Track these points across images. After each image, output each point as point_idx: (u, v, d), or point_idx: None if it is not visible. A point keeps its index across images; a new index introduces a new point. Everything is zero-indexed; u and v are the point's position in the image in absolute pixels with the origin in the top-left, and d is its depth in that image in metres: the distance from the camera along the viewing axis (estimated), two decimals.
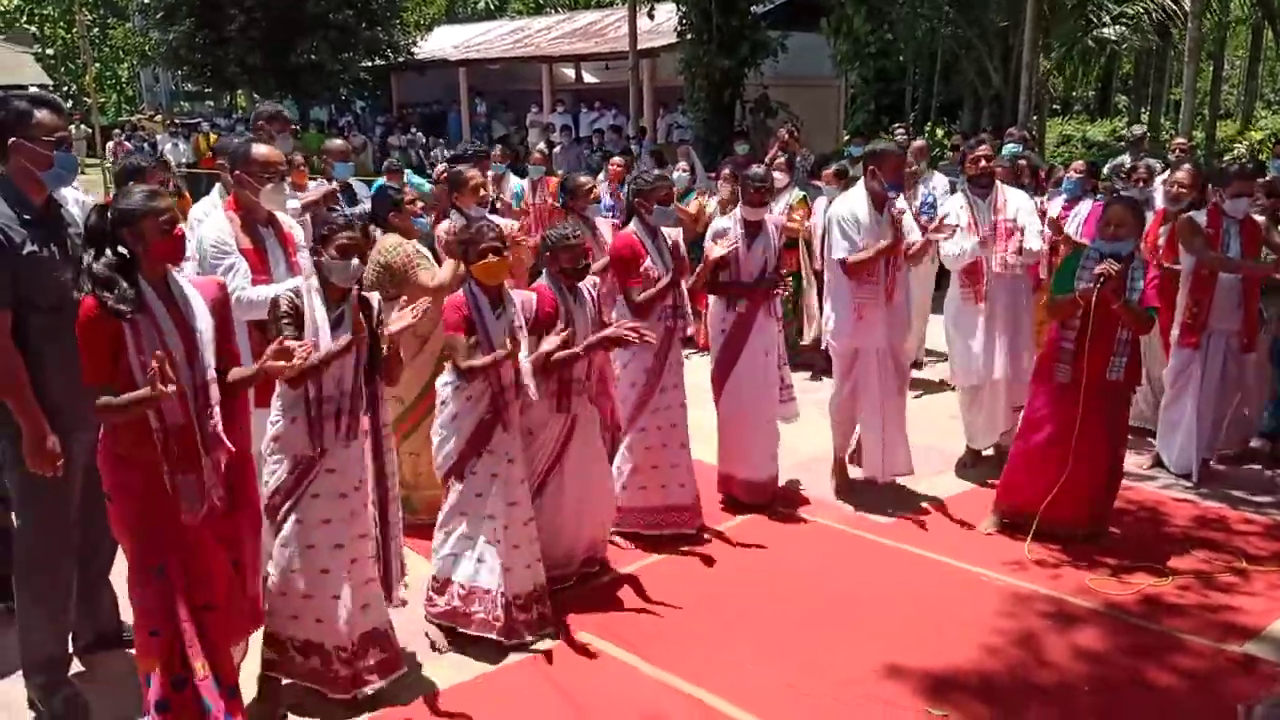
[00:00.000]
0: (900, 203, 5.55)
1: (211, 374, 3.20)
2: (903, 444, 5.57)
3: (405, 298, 4.59)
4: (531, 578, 4.12)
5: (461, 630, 4.07)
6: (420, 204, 5.28)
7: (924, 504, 5.53)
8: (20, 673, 3.65)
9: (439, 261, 5.11)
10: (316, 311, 3.47)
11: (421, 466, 4.97)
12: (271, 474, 3.55)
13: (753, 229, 5.30)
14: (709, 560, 4.88)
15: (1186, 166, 6.27)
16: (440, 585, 4.11)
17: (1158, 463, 5.98)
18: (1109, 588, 4.55)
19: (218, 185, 4.78)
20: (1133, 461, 6.09)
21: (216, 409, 3.19)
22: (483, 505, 4.04)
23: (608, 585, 4.59)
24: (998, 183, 5.81)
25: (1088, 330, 4.65)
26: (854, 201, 5.37)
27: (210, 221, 4.23)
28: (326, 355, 3.41)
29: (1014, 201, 5.73)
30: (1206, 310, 5.61)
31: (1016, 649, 4.08)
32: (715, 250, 5.12)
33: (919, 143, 8.96)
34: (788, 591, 4.57)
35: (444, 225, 5.54)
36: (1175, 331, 5.80)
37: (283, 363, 3.16)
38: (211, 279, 3.49)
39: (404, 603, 3.93)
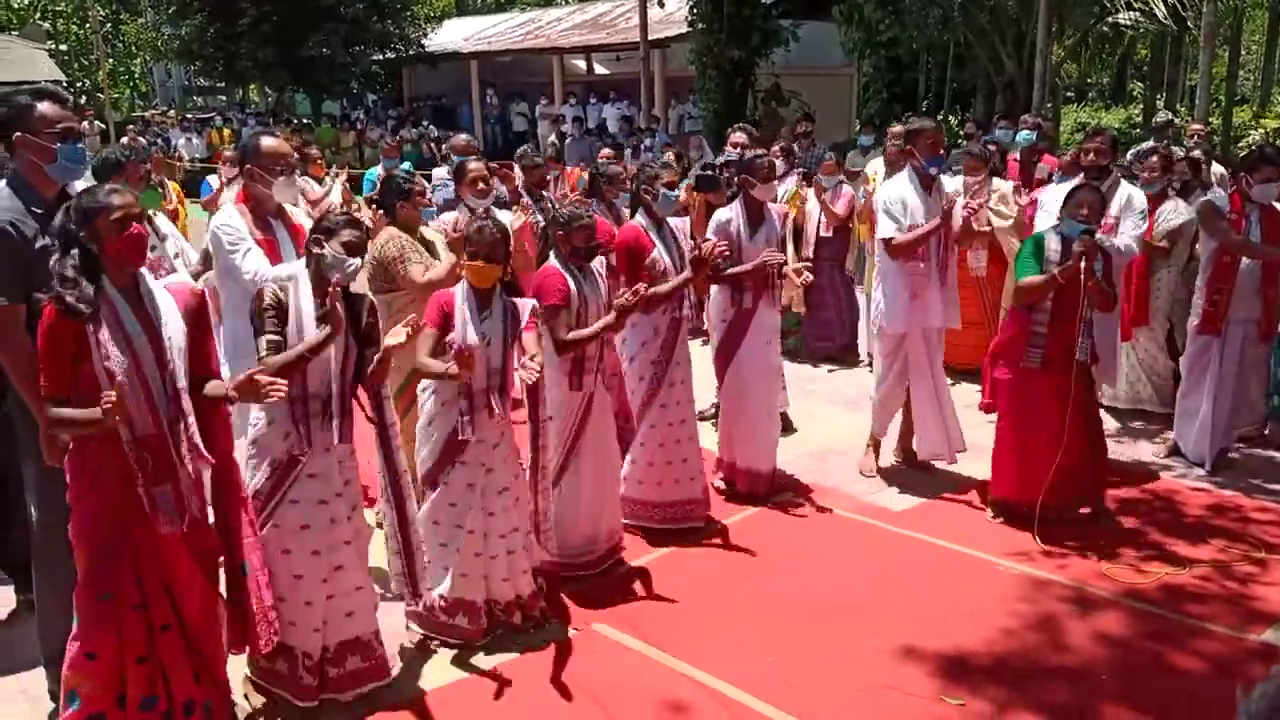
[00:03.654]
0: (947, 183, 5.53)
1: (183, 382, 3.08)
2: (956, 422, 5.59)
3: (403, 294, 4.61)
4: (512, 588, 4.05)
5: (443, 640, 3.99)
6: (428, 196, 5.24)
7: (938, 492, 5.51)
8: (42, 663, 3.67)
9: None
10: (304, 304, 3.37)
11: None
12: (250, 477, 3.45)
13: (755, 218, 5.27)
14: (721, 550, 4.87)
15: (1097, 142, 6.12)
16: (412, 591, 3.95)
17: (1175, 451, 5.94)
18: (1126, 575, 4.53)
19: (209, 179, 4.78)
20: (1149, 450, 6.07)
21: (191, 418, 3.08)
22: (458, 515, 3.91)
23: (621, 576, 4.59)
24: (1120, 179, 5.75)
25: (1054, 312, 4.71)
26: (901, 183, 5.40)
27: (223, 210, 4.25)
28: (305, 349, 3.30)
29: (1122, 197, 5.66)
30: (1227, 298, 5.56)
31: (1031, 635, 4.06)
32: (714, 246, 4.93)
33: (897, 128, 8.86)
34: (801, 580, 4.56)
35: (448, 216, 5.53)
36: (1192, 319, 5.76)
37: (251, 390, 3.04)
38: (186, 285, 3.33)
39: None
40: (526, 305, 4.00)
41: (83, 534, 3.06)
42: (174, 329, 3.09)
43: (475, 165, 5.42)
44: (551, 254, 4.38)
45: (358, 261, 3.46)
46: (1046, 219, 5.68)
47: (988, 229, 6.77)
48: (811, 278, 5.24)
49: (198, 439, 3.11)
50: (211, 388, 3.20)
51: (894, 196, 5.34)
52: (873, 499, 5.45)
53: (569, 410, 4.36)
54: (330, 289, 3.36)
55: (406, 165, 9.52)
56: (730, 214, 5.30)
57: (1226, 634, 4.06)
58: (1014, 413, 4.95)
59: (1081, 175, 5.77)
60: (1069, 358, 4.76)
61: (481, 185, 5.34)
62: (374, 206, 4.91)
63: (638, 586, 4.52)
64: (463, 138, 7.78)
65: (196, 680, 3.24)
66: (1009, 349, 4.94)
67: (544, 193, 6.88)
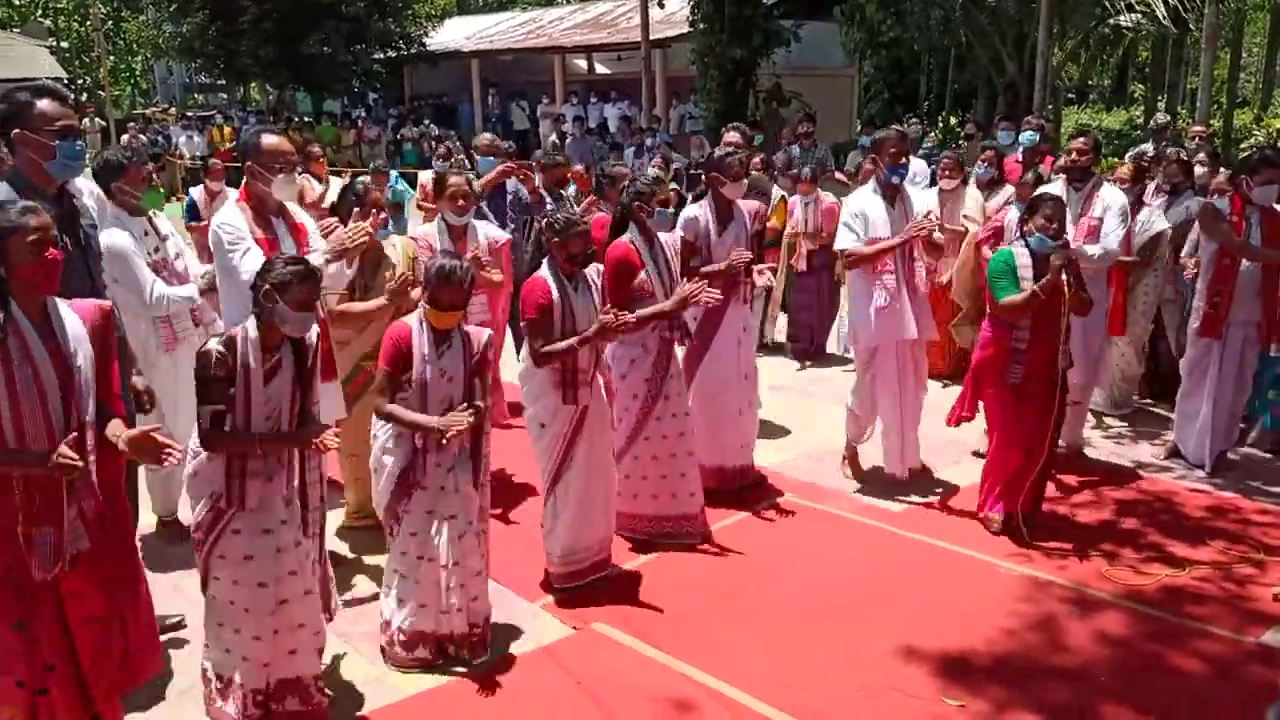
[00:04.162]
0: (910, 192, 5.50)
1: (90, 415, 2.88)
2: (915, 439, 5.58)
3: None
4: (467, 618, 3.89)
5: (401, 669, 3.87)
6: (384, 214, 5.06)
7: (936, 494, 5.51)
8: None
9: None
10: (250, 361, 3.23)
11: (361, 469, 4.75)
12: (193, 508, 3.34)
13: (724, 216, 5.24)
14: (719, 551, 4.86)
15: (1127, 162, 6.20)
16: (384, 624, 3.93)
17: (1174, 453, 5.94)
18: (1126, 577, 4.53)
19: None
20: (1149, 452, 6.07)
21: (92, 455, 2.87)
22: (420, 545, 3.81)
23: (618, 576, 4.58)
24: (1102, 180, 5.73)
25: (1043, 325, 4.70)
26: (864, 195, 5.37)
27: (224, 209, 4.25)
28: (273, 443, 3.26)
29: (1105, 199, 5.60)
30: (1227, 301, 5.56)
31: (1031, 636, 4.06)
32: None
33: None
34: (800, 581, 4.56)
35: (424, 229, 5.39)
36: (1192, 322, 5.76)
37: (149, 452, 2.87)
38: (93, 303, 3.09)
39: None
40: (484, 335, 3.92)
41: None
42: (84, 357, 2.89)
43: (455, 179, 5.24)
44: (545, 261, 4.32)
45: (310, 317, 3.32)
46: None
47: (961, 231, 6.72)
48: (772, 280, 5.17)
49: (93, 478, 2.90)
50: (112, 429, 2.96)
51: (855, 208, 5.31)
52: (872, 500, 5.45)
53: (562, 422, 4.29)
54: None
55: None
56: (698, 211, 5.26)
57: (1226, 635, 4.06)
58: (1005, 429, 4.91)
59: (1064, 176, 5.76)
60: (1050, 368, 4.76)
61: (461, 201, 5.14)
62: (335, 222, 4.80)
63: (635, 587, 4.51)
64: (486, 137, 7.82)
65: None
66: (990, 367, 4.88)
67: (563, 192, 6.87)
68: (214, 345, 3.24)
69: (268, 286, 3.24)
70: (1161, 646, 3.99)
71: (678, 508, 4.90)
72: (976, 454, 5.94)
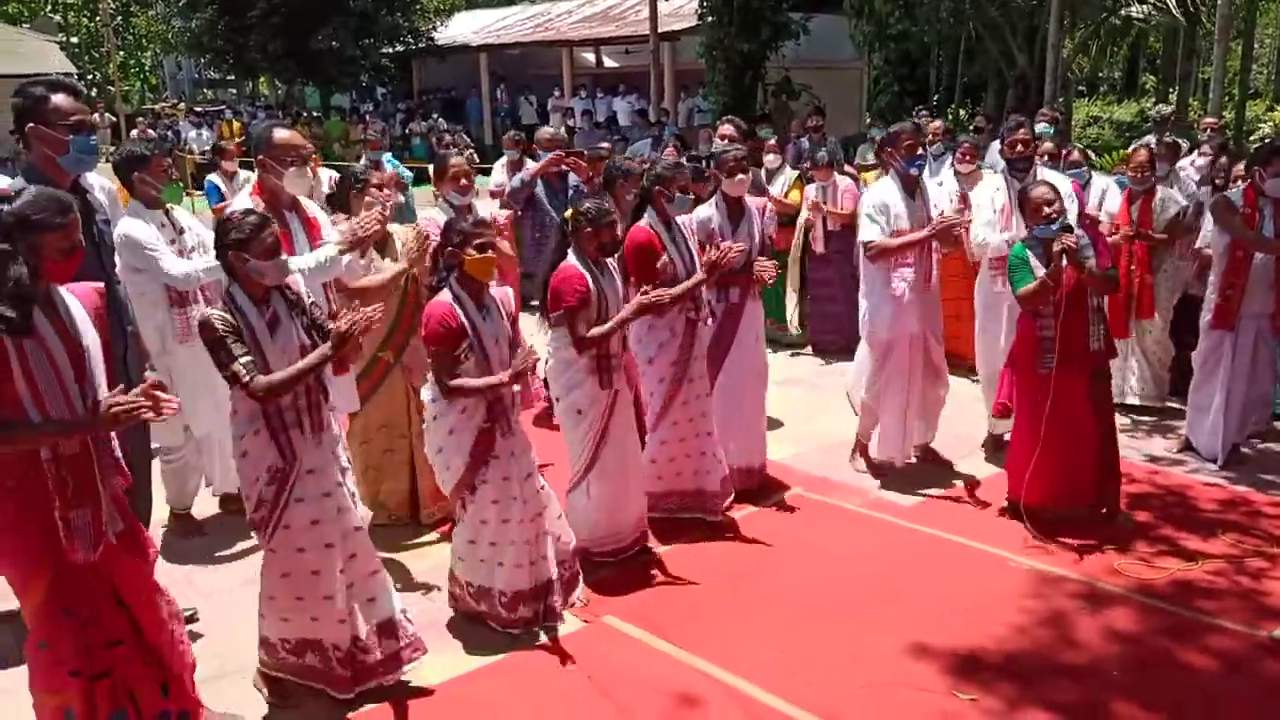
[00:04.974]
0: (929, 182, 5.49)
1: (104, 393, 2.92)
2: (917, 430, 5.59)
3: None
4: (557, 558, 4.14)
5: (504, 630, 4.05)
6: (384, 189, 5.15)
7: (947, 488, 5.50)
8: None
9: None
10: (249, 317, 3.30)
11: (373, 458, 4.91)
12: (251, 487, 3.41)
13: (734, 214, 5.25)
14: (730, 544, 4.87)
15: (1144, 148, 6.18)
16: (477, 592, 4.06)
17: (1187, 446, 5.92)
18: (1138, 570, 4.52)
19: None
20: (1161, 445, 6.05)
21: (112, 433, 2.96)
22: (503, 510, 3.95)
23: (630, 570, 4.59)
24: (1037, 166, 5.74)
25: (1060, 311, 4.66)
26: (884, 187, 5.38)
27: (237, 200, 4.26)
28: (306, 367, 3.30)
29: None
30: (1240, 293, 5.53)
31: (1043, 631, 4.05)
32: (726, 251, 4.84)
33: (936, 124, 8.83)
34: (810, 575, 4.56)
35: (429, 213, 5.40)
36: (1205, 314, 5.73)
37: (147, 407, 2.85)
38: (89, 285, 3.12)
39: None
40: (507, 292, 4.07)
41: (18, 556, 2.89)
42: (90, 339, 2.96)
43: (456, 160, 5.45)
44: (570, 251, 4.35)
45: (282, 262, 3.37)
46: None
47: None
48: (774, 274, 5.18)
49: (119, 454, 3.00)
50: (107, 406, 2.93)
51: (877, 200, 5.32)
52: (882, 494, 5.44)
53: (600, 406, 4.38)
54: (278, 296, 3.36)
55: (388, 157, 9.65)
56: (710, 211, 5.29)
57: (1238, 630, 4.05)
58: (1033, 417, 4.87)
59: (1007, 167, 5.74)
60: (1085, 356, 4.74)
61: (464, 181, 5.33)
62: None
63: (646, 579, 4.52)
64: (547, 131, 8.55)
65: (164, 693, 3.16)
66: (1023, 355, 4.91)
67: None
68: (209, 310, 3.32)
69: (231, 249, 3.28)
70: (1173, 641, 3.98)
71: (700, 483, 5.00)
72: (986, 448, 5.94)
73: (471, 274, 3.83)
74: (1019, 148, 5.64)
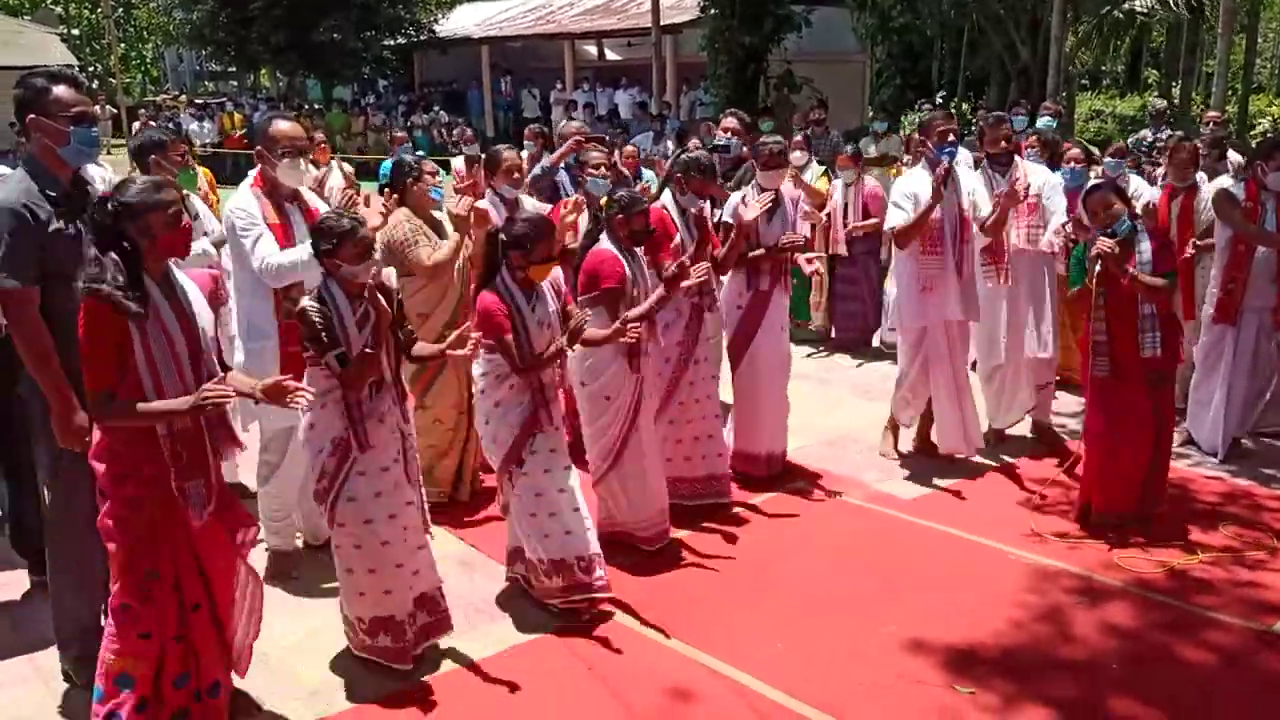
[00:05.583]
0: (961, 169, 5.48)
1: (217, 369, 3.12)
2: (975, 417, 5.61)
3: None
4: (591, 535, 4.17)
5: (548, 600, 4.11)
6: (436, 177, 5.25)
7: (948, 481, 5.50)
8: (56, 644, 3.69)
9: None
10: (341, 310, 3.45)
11: (436, 435, 5.03)
12: (315, 458, 3.56)
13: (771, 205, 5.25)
14: (732, 537, 4.87)
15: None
16: (550, 566, 4.04)
17: (1188, 440, 5.91)
18: (1137, 564, 4.52)
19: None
20: None
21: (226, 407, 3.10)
22: (554, 479, 4.04)
23: (632, 562, 4.59)
24: (1017, 159, 5.74)
25: (1107, 316, 4.65)
26: (916, 176, 5.40)
27: (238, 193, 4.25)
28: (358, 370, 3.43)
29: (1036, 178, 5.66)
30: (1242, 287, 5.52)
31: (1042, 625, 4.06)
32: (749, 211, 4.99)
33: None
34: (810, 567, 4.56)
35: (480, 203, 5.49)
36: (1206, 308, 5.72)
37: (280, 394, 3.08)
38: (204, 272, 3.33)
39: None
40: (557, 273, 4.14)
41: (121, 518, 3.03)
42: (205, 319, 3.13)
43: (509, 154, 5.39)
44: (604, 236, 4.42)
45: (376, 259, 3.56)
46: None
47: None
48: (822, 268, 5.21)
49: (232, 423, 3.16)
50: (235, 379, 3.22)
51: (907, 189, 5.33)
52: (884, 487, 5.44)
53: (628, 392, 4.42)
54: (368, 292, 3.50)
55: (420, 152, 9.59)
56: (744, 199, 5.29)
57: (1237, 624, 4.05)
58: (1098, 423, 4.85)
59: (985, 160, 5.73)
60: (1138, 362, 4.70)
61: (517, 174, 5.37)
62: (387, 191, 4.96)
63: (648, 572, 4.52)
64: (574, 124, 8.18)
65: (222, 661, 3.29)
66: (1085, 359, 4.92)
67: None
68: (307, 302, 3.47)
69: (324, 256, 3.47)
70: (1172, 635, 3.98)
71: (709, 467, 5.04)
72: (986, 441, 5.93)
73: (534, 278, 3.95)
74: (1000, 141, 5.64)
